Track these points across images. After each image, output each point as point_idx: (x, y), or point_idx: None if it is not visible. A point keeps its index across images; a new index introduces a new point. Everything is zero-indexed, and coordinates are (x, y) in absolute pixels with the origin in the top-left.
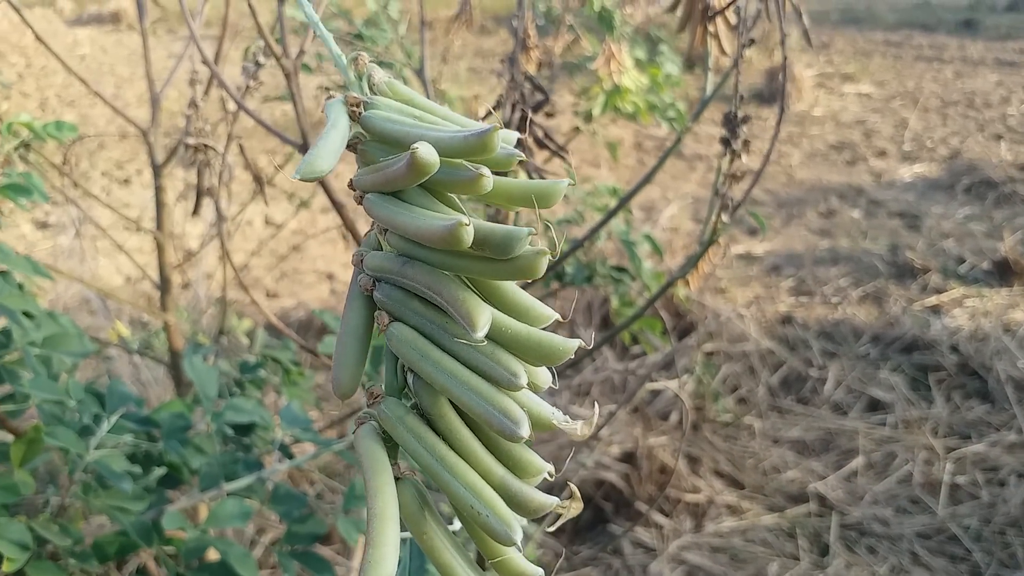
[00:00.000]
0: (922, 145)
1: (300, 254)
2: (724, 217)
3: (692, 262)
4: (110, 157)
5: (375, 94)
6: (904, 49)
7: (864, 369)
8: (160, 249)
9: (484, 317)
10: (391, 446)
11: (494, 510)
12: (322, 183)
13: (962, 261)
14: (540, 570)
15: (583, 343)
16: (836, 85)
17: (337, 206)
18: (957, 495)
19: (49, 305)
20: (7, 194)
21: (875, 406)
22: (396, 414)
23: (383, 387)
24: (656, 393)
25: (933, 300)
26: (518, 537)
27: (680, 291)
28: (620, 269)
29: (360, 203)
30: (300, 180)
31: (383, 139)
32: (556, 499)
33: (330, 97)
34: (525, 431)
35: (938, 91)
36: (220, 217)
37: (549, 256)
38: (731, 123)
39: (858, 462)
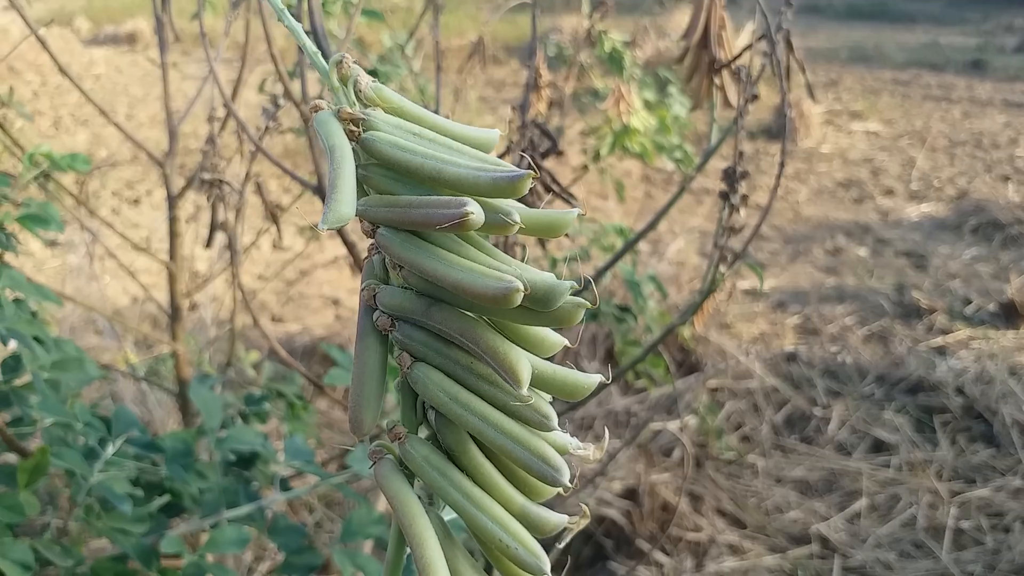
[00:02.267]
0: (929, 184)
1: (306, 279)
2: (723, 269)
3: (692, 310)
4: (121, 177)
5: (363, 103)
6: (912, 88)
7: (868, 409)
8: (172, 279)
9: (527, 372)
10: (410, 480)
11: (523, 544)
12: (340, 232)
13: (968, 302)
14: None
15: (603, 379)
16: (844, 123)
17: (349, 246)
18: (961, 540)
19: (56, 324)
20: (26, 224)
21: (879, 447)
22: (421, 453)
23: (401, 422)
24: (659, 429)
25: (939, 341)
26: (547, 568)
27: (685, 331)
28: (624, 308)
29: (371, 236)
30: (327, 229)
31: (391, 167)
32: (567, 517)
33: (316, 108)
34: (566, 478)
35: (946, 131)
36: (234, 252)
37: (588, 307)
38: (730, 178)
39: (861, 504)
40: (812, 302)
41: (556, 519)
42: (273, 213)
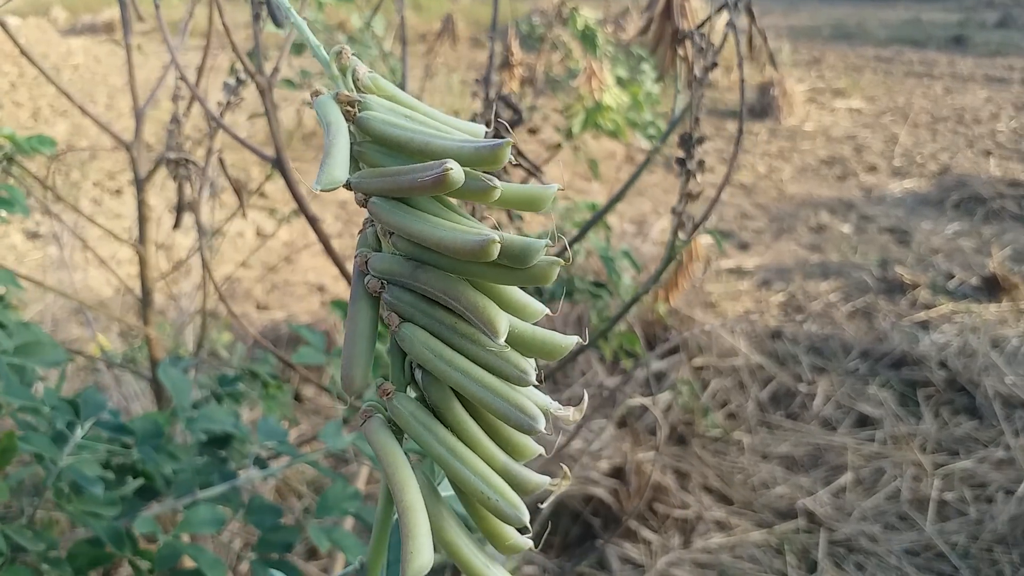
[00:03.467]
0: (912, 160)
1: (292, 266)
2: (681, 235)
3: (655, 278)
4: (102, 167)
5: (360, 90)
6: (894, 65)
7: (853, 384)
8: (143, 263)
9: (504, 324)
10: (398, 437)
11: (503, 495)
12: (298, 201)
13: (951, 277)
14: (531, 542)
15: (580, 340)
16: (827, 100)
17: (312, 222)
18: (945, 512)
19: (38, 316)
20: None
21: (864, 422)
22: (408, 409)
23: (390, 381)
24: (646, 408)
25: (922, 316)
26: (526, 519)
27: (660, 307)
28: (599, 284)
29: (363, 205)
30: (320, 191)
31: (383, 142)
32: (548, 478)
33: (317, 94)
34: (542, 425)
35: (928, 107)
36: (201, 231)
37: (561, 264)
38: (687, 144)
39: (847, 478)
40: (796, 279)
41: (537, 479)
42: (237, 190)
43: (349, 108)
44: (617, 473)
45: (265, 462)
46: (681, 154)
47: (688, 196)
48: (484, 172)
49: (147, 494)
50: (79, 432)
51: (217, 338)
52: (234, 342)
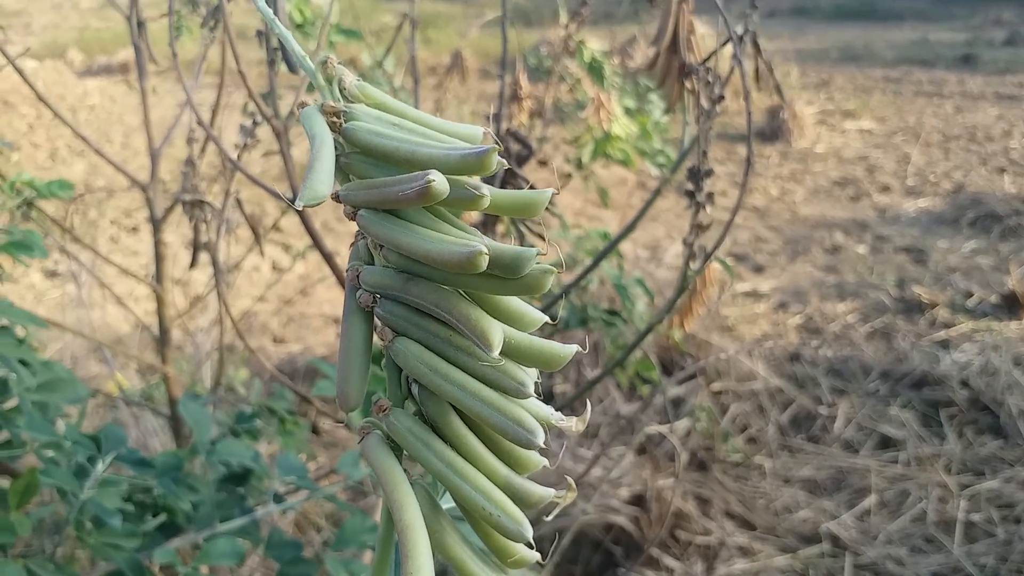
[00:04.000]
0: (925, 179)
1: (307, 299)
2: (693, 266)
3: (668, 308)
4: (119, 205)
5: (348, 99)
6: (904, 85)
7: (874, 406)
8: (160, 301)
9: (498, 336)
10: (397, 454)
11: (505, 510)
12: (313, 238)
13: (970, 295)
14: (537, 555)
15: (580, 348)
16: (837, 122)
17: (328, 258)
18: (972, 533)
19: (58, 354)
20: (10, 251)
21: (886, 443)
22: (405, 425)
23: (387, 397)
24: (662, 434)
25: (942, 335)
26: (529, 534)
27: (676, 334)
28: (612, 312)
29: (352, 219)
30: (305, 206)
31: (369, 153)
32: (553, 491)
33: (303, 105)
34: (540, 439)
35: (939, 126)
36: (218, 271)
37: (555, 273)
38: (696, 177)
39: (871, 501)
40: (813, 301)
41: (541, 491)
42: (254, 227)
43: (335, 119)
44: (638, 501)
45: (282, 497)
46: (690, 186)
47: (699, 227)
48: (476, 178)
49: (168, 529)
50: (100, 467)
51: (234, 375)
52: (251, 378)
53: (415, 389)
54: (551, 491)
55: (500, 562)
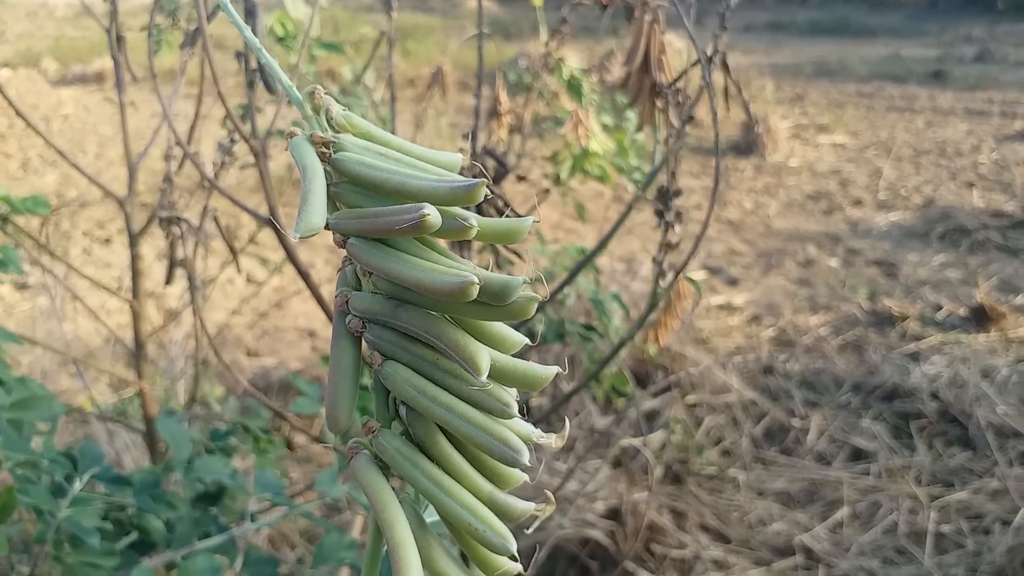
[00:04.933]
0: (897, 194)
1: (282, 312)
2: (661, 283)
3: (639, 324)
4: (91, 217)
5: (335, 129)
6: (876, 100)
7: (846, 418)
8: (136, 317)
9: (486, 360)
10: (385, 473)
11: (490, 525)
12: (288, 253)
13: (939, 308)
14: (519, 567)
15: (560, 369)
16: (811, 136)
17: (304, 275)
18: (943, 544)
19: (28, 368)
20: None
21: (858, 455)
22: (393, 445)
23: (375, 418)
24: (636, 447)
25: (912, 347)
26: (514, 548)
27: (650, 347)
28: (588, 327)
29: (342, 246)
30: (300, 238)
31: (359, 183)
32: (534, 505)
33: (291, 135)
34: (526, 458)
35: (910, 140)
36: (194, 288)
37: (539, 299)
38: (664, 197)
39: (843, 513)
40: (786, 314)
41: (523, 505)
42: (231, 245)
43: (324, 149)
44: (613, 514)
45: (255, 516)
46: (659, 206)
47: (668, 246)
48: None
49: (141, 548)
50: (77, 485)
51: (209, 391)
52: (226, 396)
53: (403, 411)
54: (531, 505)
55: (485, 575)
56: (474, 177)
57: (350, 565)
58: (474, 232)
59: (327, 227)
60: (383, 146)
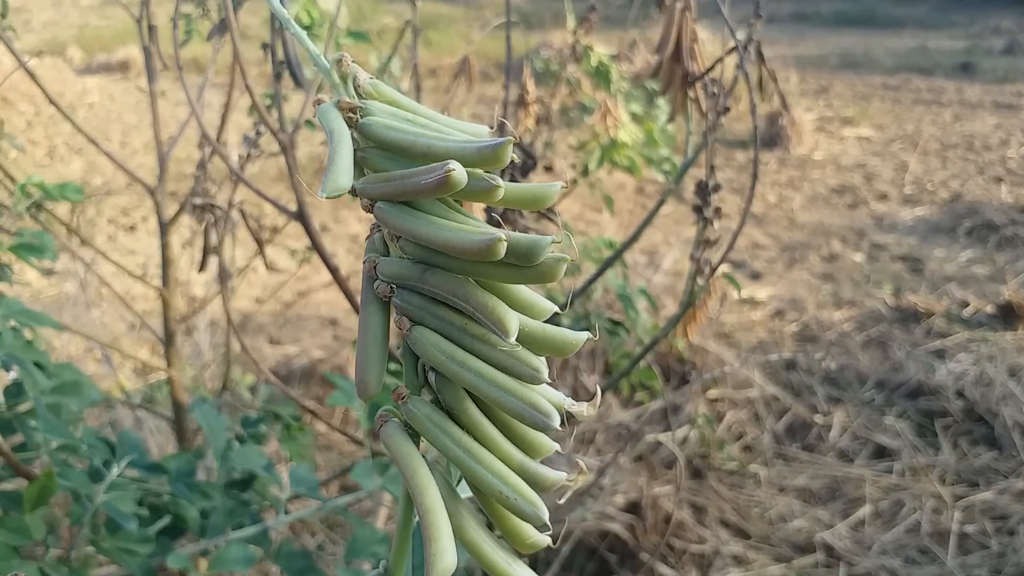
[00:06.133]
0: (923, 188)
1: (304, 300)
2: (699, 281)
3: (673, 323)
4: (116, 204)
5: (362, 96)
6: (902, 93)
7: (869, 415)
8: (166, 305)
9: (515, 323)
10: (415, 440)
11: (521, 494)
12: (319, 252)
13: (966, 305)
14: (549, 539)
15: (591, 335)
16: (836, 129)
17: (334, 271)
18: (966, 544)
19: (54, 354)
20: (20, 253)
21: (881, 453)
22: (423, 412)
23: (405, 385)
24: (660, 441)
25: (937, 344)
26: (546, 517)
27: (678, 342)
28: (616, 323)
29: (369, 211)
30: (326, 198)
31: (386, 147)
32: (565, 474)
33: (319, 102)
34: (556, 422)
35: (937, 134)
36: (224, 277)
37: (568, 261)
38: (703, 192)
39: (865, 511)
40: (810, 309)
41: (554, 475)
42: (258, 238)
43: (351, 115)
44: (633, 508)
45: (287, 508)
46: (698, 201)
47: (706, 243)
48: (487, 172)
49: (173, 533)
50: (115, 470)
51: (240, 379)
52: (256, 383)
53: (432, 377)
54: (563, 474)
55: (514, 545)
56: (502, 171)
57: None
58: (500, 193)
59: (354, 193)
60: (411, 113)
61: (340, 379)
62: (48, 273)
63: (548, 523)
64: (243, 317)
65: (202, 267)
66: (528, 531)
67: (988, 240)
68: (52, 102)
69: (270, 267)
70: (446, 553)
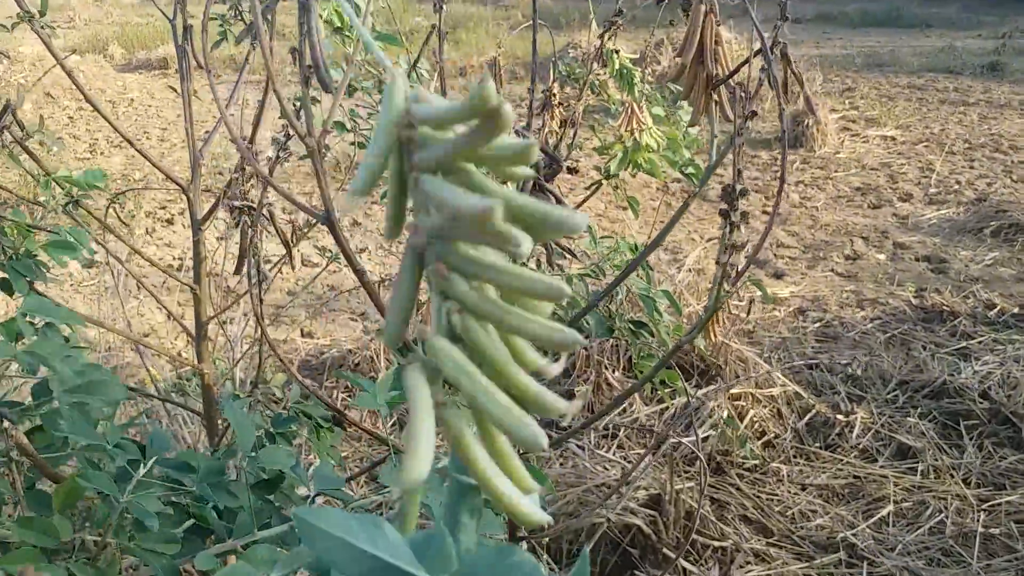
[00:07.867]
0: (948, 188)
1: (335, 293)
2: (726, 286)
3: (699, 329)
4: (154, 197)
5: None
6: (928, 93)
7: (892, 415)
8: (197, 301)
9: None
10: (435, 381)
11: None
12: (346, 256)
13: (991, 306)
14: (549, 517)
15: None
16: (861, 129)
17: (360, 273)
18: (991, 547)
19: (95, 341)
20: (52, 252)
21: (904, 453)
22: (443, 348)
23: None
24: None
25: (962, 345)
26: (545, 443)
27: (699, 342)
28: (639, 324)
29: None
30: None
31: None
32: (576, 403)
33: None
34: (572, 339)
35: (963, 134)
36: (257, 280)
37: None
38: (729, 196)
39: (888, 510)
40: (832, 308)
41: (564, 404)
42: (285, 241)
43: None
44: (655, 502)
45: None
46: (724, 205)
47: (732, 247)
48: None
49: (201, 533)
50: (141, 470)
51: (272, 378)
52: (288, 381)
53: (455, 319)
54: (570, 403)
55: (515, 520)
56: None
57: None
58: (535, 151)
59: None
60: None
61: (365, 381)
62: (88, 265)
63: (549, 451)
64: (275, 310)
65: (238, 269)
66: (527, 509)
67: (1015, 241)
68: (88, 100)
69: (302, 263)
70: (422, 459)
